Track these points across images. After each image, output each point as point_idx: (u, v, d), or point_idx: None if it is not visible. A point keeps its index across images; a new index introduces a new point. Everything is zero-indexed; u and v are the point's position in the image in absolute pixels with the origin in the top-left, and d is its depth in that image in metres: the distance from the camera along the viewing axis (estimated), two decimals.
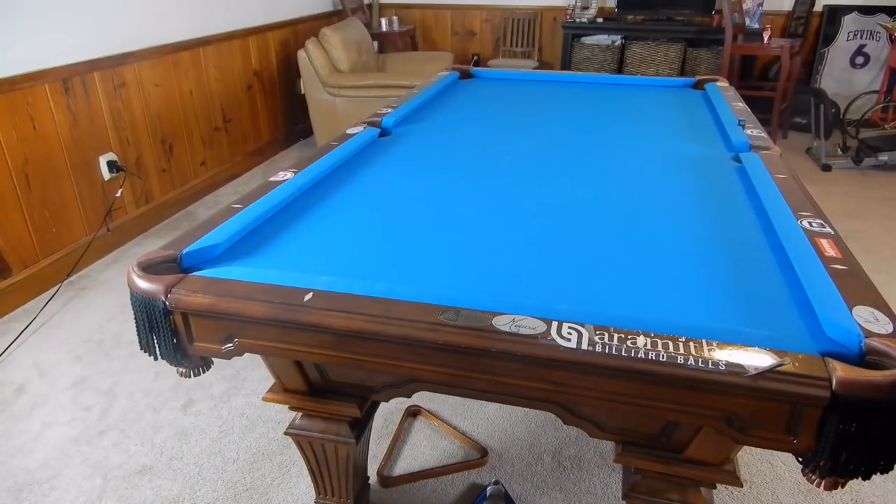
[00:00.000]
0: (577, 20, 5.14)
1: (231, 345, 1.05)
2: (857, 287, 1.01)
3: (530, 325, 0.92)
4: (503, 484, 1.67)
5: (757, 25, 4.92)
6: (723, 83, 2.60)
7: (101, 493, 1.69)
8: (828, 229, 1.22)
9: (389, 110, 2.14)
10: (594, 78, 2.86)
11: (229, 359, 1.09)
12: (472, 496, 1.66)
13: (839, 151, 4.24)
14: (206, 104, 3.70)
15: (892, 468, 0.83)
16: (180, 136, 3.51)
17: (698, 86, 2.69)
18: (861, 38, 4.90)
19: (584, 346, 0.88)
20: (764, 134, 1.89)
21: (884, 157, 4.07)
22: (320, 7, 5.10)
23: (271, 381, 1.30)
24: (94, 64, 2.85)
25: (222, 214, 1.29)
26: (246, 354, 1.06)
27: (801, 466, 0.89)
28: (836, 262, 1.09)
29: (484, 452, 1.79)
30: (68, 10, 2.72)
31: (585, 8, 5.18)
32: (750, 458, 1.77)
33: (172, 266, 1.11)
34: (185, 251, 1.13)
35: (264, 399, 1.30)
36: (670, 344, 0.88)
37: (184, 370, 1.14)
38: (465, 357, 0.93)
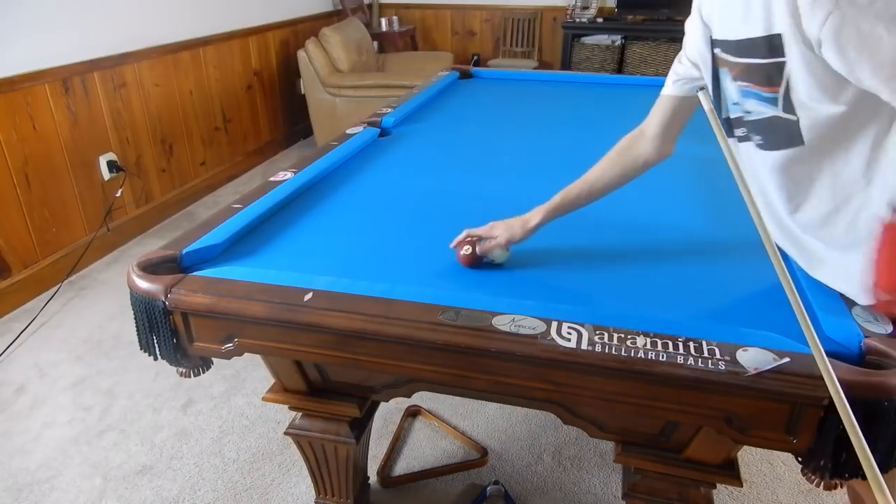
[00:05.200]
0: (577, 20, 5.14)
1: (231, 345, 1.05)
2: None
3: (530, 325, 0.92)
4: (503, 484, 1.67)
5: None
6: None
7: (101, 493, 1.69)
8: None
9: (389, 110, 2.14)
10: (594, 78, 2.86)
11: (229, 359, 1.09)
12: (472, 496, 1.65)
13: None
14: (206, 104, 3.70)
15: (891, 468, 0.83)
16: (180, 136, 3.51)
17: None
18: None
19: (584, 346, 0.88)
20: None
21: None
22: (320, 7, 5.10)
23: (271, 381, 1.30)
24: (94, 64, 2.85)
25: (222, 214, 1.29)
26: (246, 354, 1.06)
27: (801, 466, 0.89)
28: None
29: (484, 452, 1.79)
30: (68, 10, 2.72)
31: (585, 8, 5.18)
32: (750, 458, 1.77)
33: (172, 266, 1.11)
34: (185, 251, 1.13)
35: (264, 399, 1.30)
36: (670, 344, 0.88)
37: (184, 370, 1.14)
38: (465, 357, 0.93)
